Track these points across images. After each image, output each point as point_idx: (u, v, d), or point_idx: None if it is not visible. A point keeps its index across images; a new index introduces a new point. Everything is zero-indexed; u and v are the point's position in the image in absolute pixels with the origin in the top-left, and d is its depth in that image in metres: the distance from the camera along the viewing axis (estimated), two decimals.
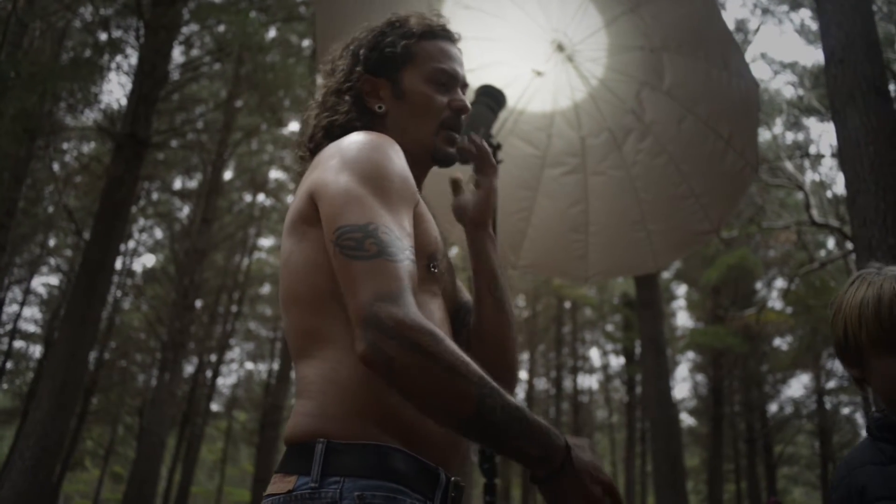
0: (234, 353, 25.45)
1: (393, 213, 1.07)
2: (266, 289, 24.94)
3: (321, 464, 1.00)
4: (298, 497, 0.99)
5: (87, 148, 15.85)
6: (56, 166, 13.73)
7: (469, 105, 1.37)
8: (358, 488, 0.98)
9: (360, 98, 1.31)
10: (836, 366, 19.39)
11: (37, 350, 19.32)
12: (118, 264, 17.70)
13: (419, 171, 1.33)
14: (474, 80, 1.68)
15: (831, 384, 19.68)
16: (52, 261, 18.56)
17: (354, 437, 1.02)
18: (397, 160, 1.14)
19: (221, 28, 11.17)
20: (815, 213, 12.32)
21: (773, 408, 22.07)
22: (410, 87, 1.31)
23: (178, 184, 18.66)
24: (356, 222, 1.03)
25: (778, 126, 14.81)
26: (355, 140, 1.15)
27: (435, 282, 1.21)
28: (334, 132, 1.27)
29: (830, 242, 17.82)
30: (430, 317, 1.15)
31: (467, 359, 0.97)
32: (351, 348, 1.03)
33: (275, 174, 20.71)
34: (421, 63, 1.32)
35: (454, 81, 1.35)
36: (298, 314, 1.12)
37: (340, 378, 1.05)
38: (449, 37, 1.39)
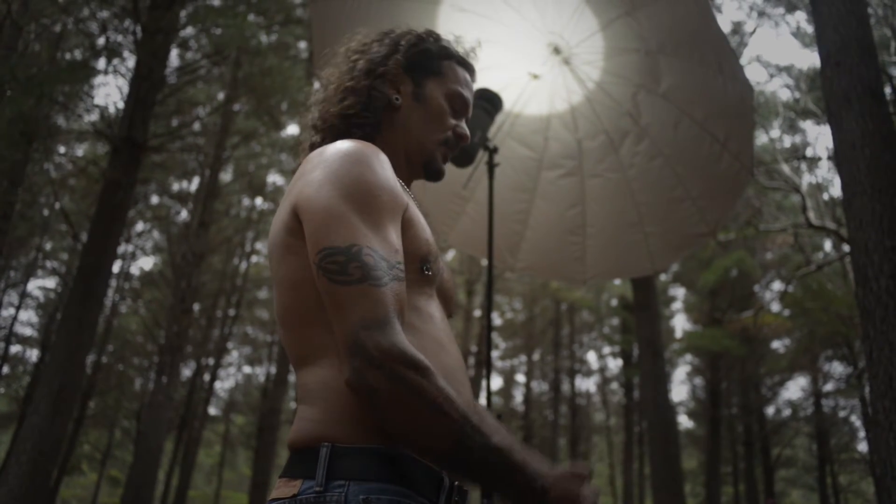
0: (232, 356, 25.44)
1: (377, 230, 1.06)
2: (264, 293, 24.91)
3: (326, 468, 1.00)
4: (303, 501, 0.99)
5: (84, 151, 15.86)
6: (52, 170, 13.71)
7: (469, 137, 1.41)
8: (363, 492, 0.98)
9: (379, 87, 1.34)
10: (834, 368, 19.43)
11: (33, 354, 19.28)
12: (116, 268, 17.70)
13: (410, 175, 1.36)
14: None
15: (829, 387, 19.71)
16: (49, 264, 18.53)
17: (358, 441, 1.02)
18: (381, 171, 1.13)
19: (219, 31, 11.16)
20: (811, 215, 12.34)
21: (770, 410, 22.09)
22: (431, 95, 1.36)
23: (175, 187, 18.66)
24: (339, 244, 1.02)
25: (774, 129, 14.85)
26: (338, 150, 1.14)
27: (429, 284, 1.21)
28: (353, 122, 1.31)
29: (827, 245, 17.85)
30: (430, 319, 1.16)
31: (452, 395, 0.97)
32: None
33: (272, 178, 20.72)
34: (447, 81, 1.38)
35: (464, 111, 1.41)
36: (293, 326, 1.12)
37: (342, 384, 1.04)
38: (472, 72, 1.45)
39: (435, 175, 1.37)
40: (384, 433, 1.02)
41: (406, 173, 1.34)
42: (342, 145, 1.16)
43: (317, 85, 1.46)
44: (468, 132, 1.39)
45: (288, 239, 1.13)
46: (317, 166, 1.13)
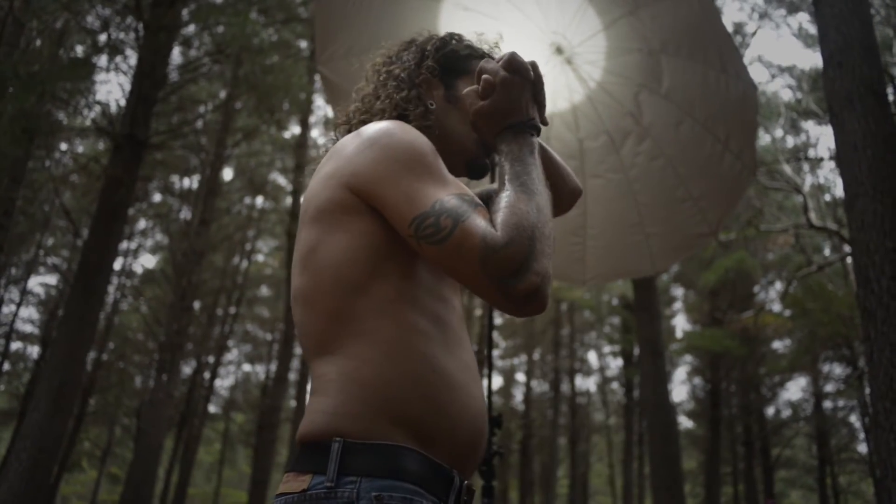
0: (232, 354, 25.46)
1: (443, 181, 1.10)
2: (264, 291, 24.91)
3: (337, 463, 0.99)
4: (313, 496, 0.98)
5: (86, 148, 15.85)
6: (54, 167, 13.71)
7: None
8: (375, 489, 0.97)
9: (423, 93, 1.36)
10: (834, 369, 19.41)
11: (34, 351, 19.26)
12: (117, 265, 17.69)
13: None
14: None
15: (829, 387, 19.68)
16: (50, 261, 18.53)
17: (371, 436, 1.01)
18: (422, 138, 1.16)
19: (221, 29, 11.16)
20: (813, 216, 12.33)
21: (770, 411, 22.07)
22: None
23: (176, 185, 18.65)
24: (423, 209, 1.04)
25: (776, 129, 14.83)
26: (380, 127, 1.16)
27: None
28: (393, 116, 1.32)
29: (828, 246, 17.83)
30: (453, 310, 1.19)
31: (525, 216, 1.02)
32: (377, 344, 1.05)
33: (273, 176, 20.73)
34: (477, 79, 1.37)
35: None
36: (321, 309, 1.11)
37: (363, 377, 1.04)
38: None
39: (481, 170, 1.38)
40: (398, 430, 1.03)
41: None
42: (380, 124, 1.18)
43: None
44: None
45: (341, 217, 1.13)
46: (363, 148, 1.14)
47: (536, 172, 1.09)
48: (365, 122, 1.33)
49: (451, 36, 1.42)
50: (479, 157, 1.35)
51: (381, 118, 1.32)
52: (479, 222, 1.01)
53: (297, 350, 16.75)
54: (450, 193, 1.06)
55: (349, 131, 1.33)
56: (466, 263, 1.00)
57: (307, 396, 1.11)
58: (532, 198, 1.04)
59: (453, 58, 1.38)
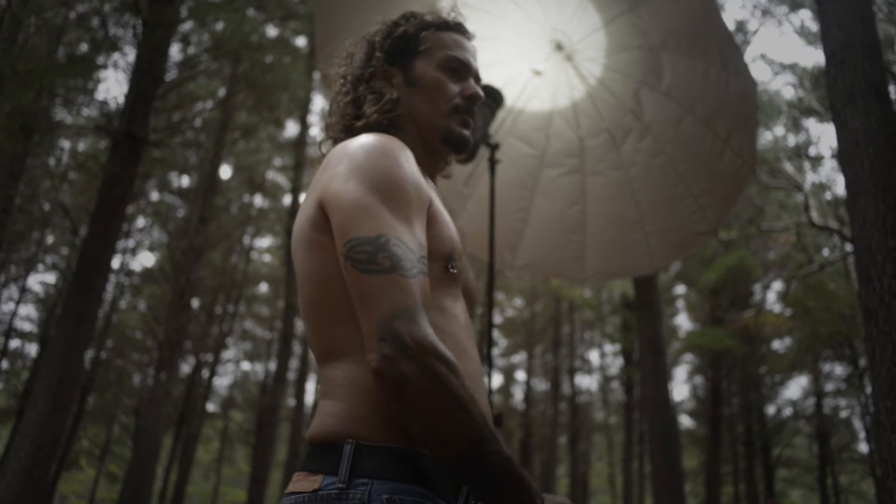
0: (231, 352, 25.40)
1: (404, 222, 1.05)
2: (263, 289, 24.89)
3: (350, 464, 0.99)
4: (325, 497, 0.98)
5: (86, 145, 15.83)
6: (52, 164, 13.68)
7: (482, 93, 1.37)
8: (386, 491, 0.97)
9: (376, 86, 1.32)
10: (835, 368, 19.40)
11: (33, 349, 19.24)
12: (116, 263, 17.68)
13: (434, 161, 1.33)
14: None
15: (830, 387, 19.67)
16: (49, 259, 18.50)
17: (382, 439, 1.01)
18: (407, 165, 1.13)
19: (219, 26, 11.13)
20: (814, 214, 12.30)
21: (771, 410, 22.06)
22: (422, 73, 1.32)
23: (175, 183, 18.62)
24: (367, 234, 1.01)
25: (778, 127, 14.79)
26: (363, 144, 1.13)
27: (455, 283, 1.19)
28: (353, 124, 1.30)
29: (829, 246, 17.81)
30: (454, 320, 1.15)
31: (474, 396, 0.97)
32: None
33: (272, 174, 20.70)
34: (433, 51, 1.34)
35: (466, 70, 1.36)
36: (320, 321, 1.11)
37: (370, 382, 1.03)
38: (463, 31, 1.42)
39: (459, 144, 1.32)
40: (407, 434, 1.02)
41: (428, 163, 1.32)
42: (366, 139, 1.15)
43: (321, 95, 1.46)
44: (477, 89, 1.35)
45: (313, 234, 1.12)
46: (341, 160, 1.12)
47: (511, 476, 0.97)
48: (334, 134, 1.31)
49: (403, 16, 1.38)
50: (453, 130, 1.31)
51: (342, 127, 1.30)
52: (416, 291, 0.98)
53: (297, 349, 16.75)
54: (405, 237, 1.03)
55: (335, 144, 1.30)
56: (379, 309, 0.96)
57: (309, 396, 1.10)
58: (495, 438, 0.96)
59: (404, 39, 1.34)
